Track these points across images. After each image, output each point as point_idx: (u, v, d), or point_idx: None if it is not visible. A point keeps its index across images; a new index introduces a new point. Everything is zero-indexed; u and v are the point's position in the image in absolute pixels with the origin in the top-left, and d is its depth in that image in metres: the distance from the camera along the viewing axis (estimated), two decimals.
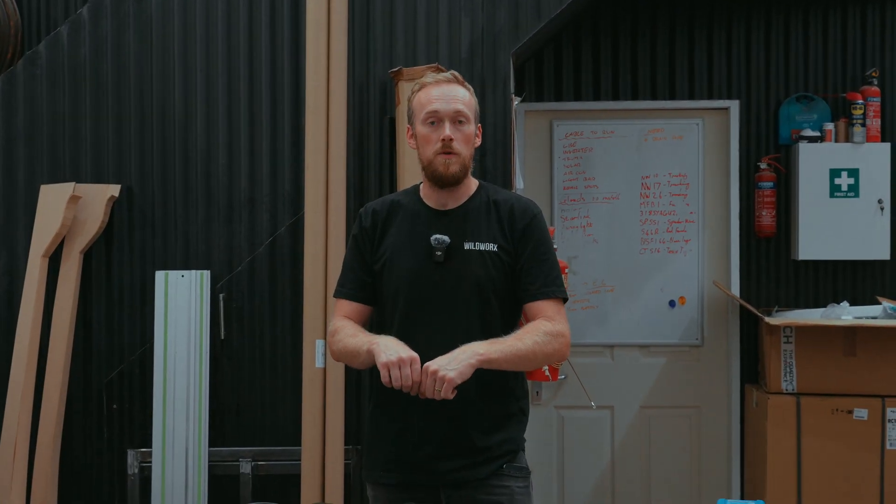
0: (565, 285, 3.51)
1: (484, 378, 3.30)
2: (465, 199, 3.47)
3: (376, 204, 3.58)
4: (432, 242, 3.40)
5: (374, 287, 3.51)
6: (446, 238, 3.39)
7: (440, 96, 3.40)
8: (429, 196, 3.49)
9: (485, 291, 3.39)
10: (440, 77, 3.46)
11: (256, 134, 5.48)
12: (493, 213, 3.44)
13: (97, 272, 5.52)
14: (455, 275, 3.39)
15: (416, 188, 3.55)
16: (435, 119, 3.39)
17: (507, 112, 5.38)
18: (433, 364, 3.13)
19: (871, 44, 6.51)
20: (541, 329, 3.32)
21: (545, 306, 3.39)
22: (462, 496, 3.33)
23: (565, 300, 3.46)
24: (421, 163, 3.44)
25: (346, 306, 3.52)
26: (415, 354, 3.18)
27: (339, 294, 3.55)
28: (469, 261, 3.39)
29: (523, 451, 3.50)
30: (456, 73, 3.50)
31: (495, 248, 3.39)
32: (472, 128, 3.43)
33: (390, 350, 3.18)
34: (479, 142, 3.50)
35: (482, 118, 5.21)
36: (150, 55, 5.52)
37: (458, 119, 3.39)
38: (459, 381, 3.13)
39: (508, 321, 3.44)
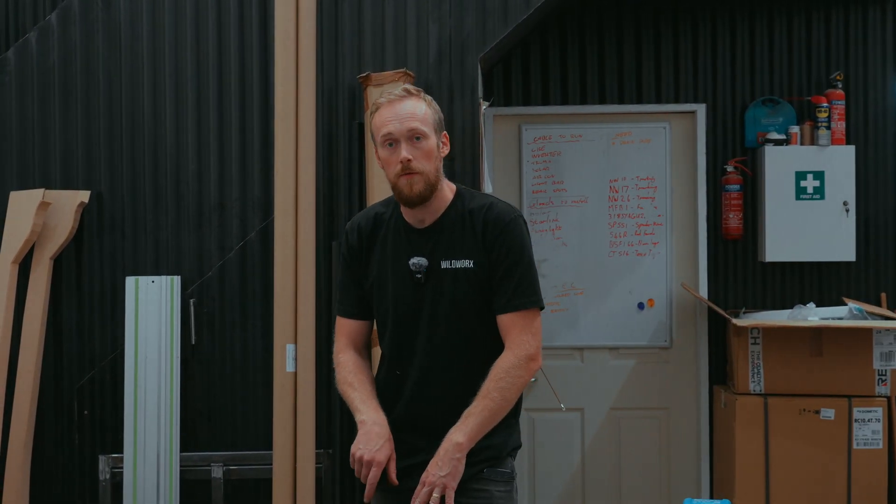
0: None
1: (475, 388, 3.33)
2: (440, 212, 3.44)
3: (360, 220, 3.57)
4: (411, 266, 3.42)
5: (368, 302, 3.56)
6: (424, 260, 3.41)
7: (393, 116, 3.35)
8: (406, 212, 3.47)
9: (462, 309, 3.40)
10: (393, 95, 3.39)
11: (226, 139, 5.50)
12: (469, 225, 3.41)
13: (67, 278, 5.52)
14: (434, 295, 3.41)
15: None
16: (391, 140, 3.35)
17: (476, 117, 5.41)
18: (428, 477, 3.25)
19: (836, 47, 6.56)
20: (503, 369, 3.33)
21: (512, 320, 3.38)
22: (441, 499, 3.35)
23: (541, 308, 3.44)
24: (389, 183, 3.44)
25: (347, 323, 3.59)
26: (380, 457, 3.30)
27: (338, 312, 3.62)
28: (446, 280, 3.40)
29: (511, 456, 3.50)
30: (409, 88, 3.43)
31: (471, 265, 3.39)
32: (431, 142, 3.37)
33: (365, 443, 3.33)
34: (446, 150, 3.46)
35: (450, 123, 5.25)
36: (119, 61, 5.53)
37: (413, 137, 3.33)
38: (456, 483, 3.26)
39: (493, 333, 3.43)
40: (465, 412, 3.29)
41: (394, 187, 3.39)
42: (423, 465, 3.35)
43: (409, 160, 3.32)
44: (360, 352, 3.58)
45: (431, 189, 3.38)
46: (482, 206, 3.44)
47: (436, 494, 3.22)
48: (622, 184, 6.61)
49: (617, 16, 6.56)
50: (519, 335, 3.37)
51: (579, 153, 6.60)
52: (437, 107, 3.47)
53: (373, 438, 3.33)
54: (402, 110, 3.35)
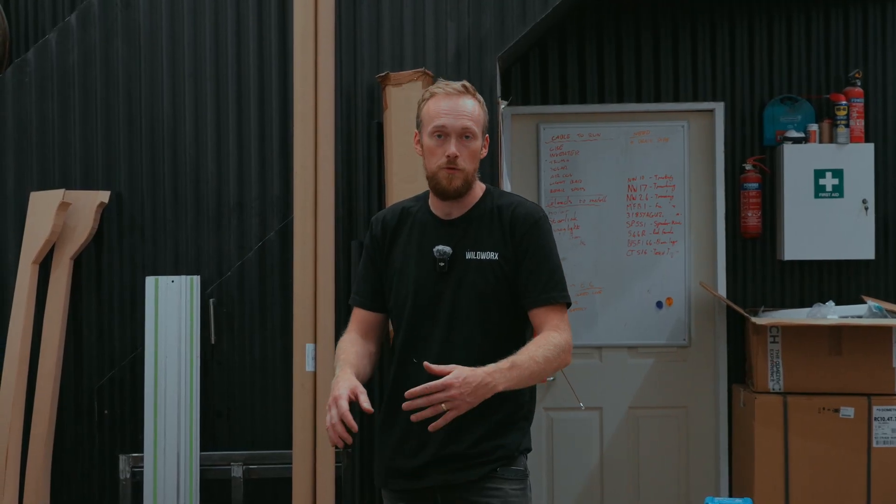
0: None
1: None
2: (469, 207, 3.48)
3: (387, 212, 3.62)
4: (435, 254, 3.43)
5: (385, 295, 3.57)
6: (448, 249, 3.43)
7: (449, 110, 3.38)
8: (435, 205, 3.50)
9: (485, 300, 3.41)
10: (451, 88, 3.42)
11: (245, 139, 5.51)
12: (496, 220, 3.44)
13: (87, 278, 5.54)
14: (456, 284, 3.42)
15: (426, 195, 3.57)
16: (442, 133, 3.38)
17: (494, 116, 5.40)
18: (453, 390, 3.09)
19: (854, 45, 6.55)
20: (552, 342, 3.32)
21: (549, 313, 3.40)
22: (455, 498, 3.36)
23: (568, 305, 3.46)
24: (425, 172, 3.45)
25: (360, 314, 3.60)
26: (337, 391, 3.19)
27: (353, 302, 3.63)
28: (470, 270, 3.42)
29: (524, 455, 3.51)
30: (468, 85, 3.46)
31: (496, 257, 3.41)
32: (478, 143, 3.42)
33: (333, 389, 3.25)
34: (485, 152, 3.49)
35: None
36: (138, 62, 5.54)
37: (464, 135, 3.38)
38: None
39: (511, 328, 3.46)
40: (511, 360, 3.21)
41: (432, 177, 3.42)
42: (433, 464, 3.36)
43: (456, 156, 3.36)
44: (367, 337, 3.58)
45: (468, 187, 3.43)
46: (511, 204, 3.48)
47: (445, 407, 3.09)
48: (640, 182, 6.60)
49: (635, 14, 6.56)
50: (560, 323, 3.39)
51: (597, 152, 6.60)
52: (486, 109, 3.53)
53: (333, 388, 3.25)
54: (460, 107, 3.40)
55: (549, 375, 3.37)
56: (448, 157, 3.36)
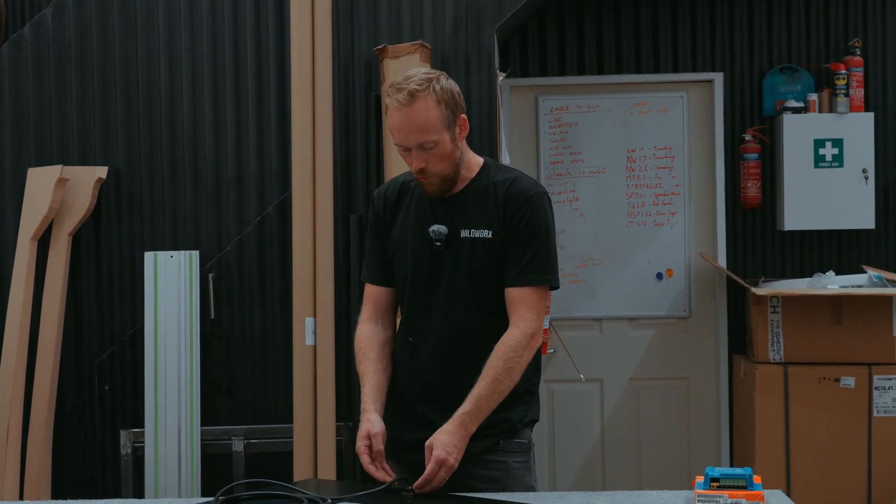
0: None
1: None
2: (465, 184, 3.44)
3: (388, 186, 3.59)
4: (430, 234, 3.42)
5: (393, 269, 3.56)
6: (443, 228, 3.40)
7: (401, 126, 3.28)
8: None
9: (479, 279, 3.39)
10: (399, 100, 3.27)
11: (242, 113, 5.49)
12: (491, 196, 3.40)
13: (86, 254, 5.54)
14: (451, 263, 3.40)
15: None
16: (403, 147, 3.33)
17: (492, 88, 5.39)
18: (449, 460, 3.21)
19: (854, 14, 6.52)
20: (510, 347, 3.30)
21: (521, 295, 3.35)
22: (458, 470, 3.35)
23: (552, 287, 3.42)
24: None
25: (372, 291, 3.59)
26: (375, 429, 3.33)
27: (365, 277, 3.62)
28: (465, 249, 3.39)
29: (529, 427, 3.49)
30: (414, 88, 3.27)
31: (489, 235, 3.37)
32: (443, 143, 3.31)
33: (360, 431, 3.38)
34: (465, 134, 3.39)
35: (467, 95, 5.20)
36: (134, 36, 5.52)
37: (422, 147, 3.29)
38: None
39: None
40: (475, 395, 3.26)
41: (416, 178, 3.42)
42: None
43: (422, 168, 3.33)
44: (382, 321, 3.57)
45: (451, 182, 3.39)
46: (507, 180, 3.42)
47: (444, 475, 3.21)
48: (640, 154, 6.59)
49: None
50: (526, 312, 3.34)
51: (596, 123, 6.58)
52: (451, 93, 3.34)
53: (365, 425, 3.36)
54: (410, 121, 3.28)
55: (520, 376, 3.34)
56: (415, 170, 3.34)
